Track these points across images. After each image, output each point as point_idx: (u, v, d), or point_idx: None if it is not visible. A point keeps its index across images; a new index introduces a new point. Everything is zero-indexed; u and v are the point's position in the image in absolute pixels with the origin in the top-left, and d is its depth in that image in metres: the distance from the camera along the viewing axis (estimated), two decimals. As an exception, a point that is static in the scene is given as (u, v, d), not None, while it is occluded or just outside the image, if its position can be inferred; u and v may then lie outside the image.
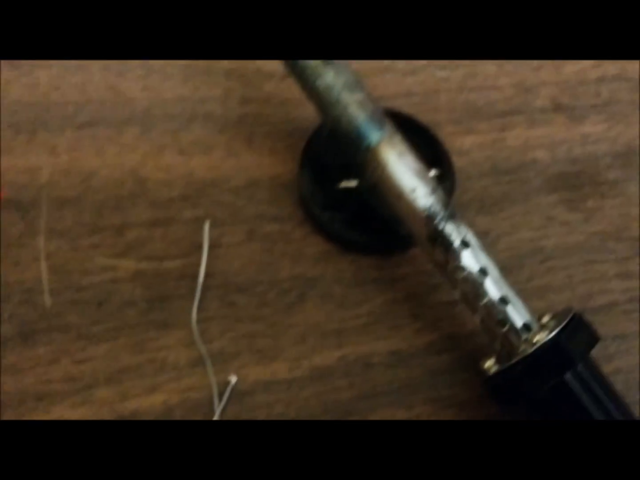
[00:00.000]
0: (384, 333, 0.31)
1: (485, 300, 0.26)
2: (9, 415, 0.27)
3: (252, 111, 0.35)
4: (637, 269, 0.34)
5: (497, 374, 0.26)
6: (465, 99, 0.38)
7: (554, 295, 0.33)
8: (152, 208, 0.32)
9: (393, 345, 0.31)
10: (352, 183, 0.31)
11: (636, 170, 0.37)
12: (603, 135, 0.38)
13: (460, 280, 0.27)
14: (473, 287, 0.27)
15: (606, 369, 0.30)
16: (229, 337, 0.30)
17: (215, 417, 0.28)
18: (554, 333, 0.25)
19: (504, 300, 0.26)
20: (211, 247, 0.31)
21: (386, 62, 0.38)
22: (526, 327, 0.26)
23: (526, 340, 0.26)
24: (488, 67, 0.39)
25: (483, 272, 0.27)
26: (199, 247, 0.31)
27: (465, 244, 0.27)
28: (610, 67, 0.40)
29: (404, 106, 0.36)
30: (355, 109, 0.28)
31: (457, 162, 0.35)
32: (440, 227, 0.27)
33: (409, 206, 0.27)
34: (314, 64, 0.28)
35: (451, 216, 0.27)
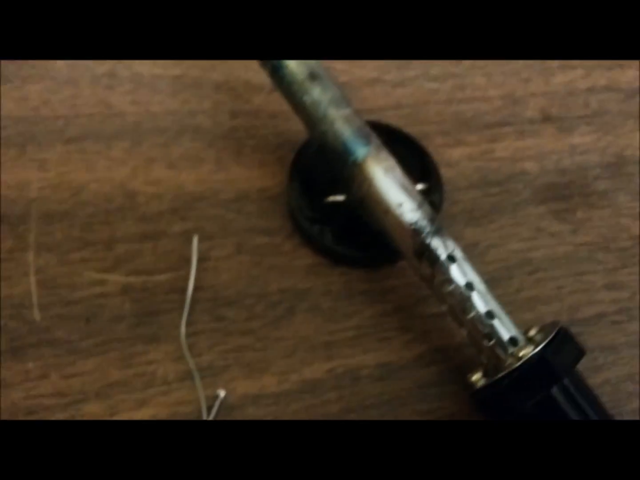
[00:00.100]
0: (373, 345, 0.31)
1: (471, 315, 0.27)
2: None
3: (242, 124, 0.35)
4: (626, 280, 0.34)
5: (483, 388, 0.26)
6: (455, 110, 0.38)
7: (543, 306, 0.33)
8: (141, 222, 0.32)
9: (382, 357, 0.31)
10: (340, 197, 0.31)
11: (625, 181, 0.37)
12: (592, 146, 0.38)
13: (447, 295, 0.27)
14: (459, 301, 0.27)
15: (595, 380, 0.30)
16: (218, 351, 0.30)
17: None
18: (539, 347, 0.25)
19: (490, 315, 0.26)
20: (200, 260, 0.31)
21: (375, 74, 0.38)
22: (512, 341, 0.26)
23: (512, 355, 0.26)
24: (477, 79, 0.39)
25: (469, 286, 0.27)
26: (188, 260, 0.31)
27: (451, 259, 0.27)
28: (600, 77, 0.41)
29: (394, 118, 0.36)
30: (342, 125, 0.28)
31: (447, 173, 0.35)
32: (427, 241, 0.27)
33: (396, 221, 0.27)
34: (300, 79, 0.28)
35: (438, 231, 0.27)
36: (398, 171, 0.28)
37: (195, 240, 0.31)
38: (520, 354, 0.26)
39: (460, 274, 0.27)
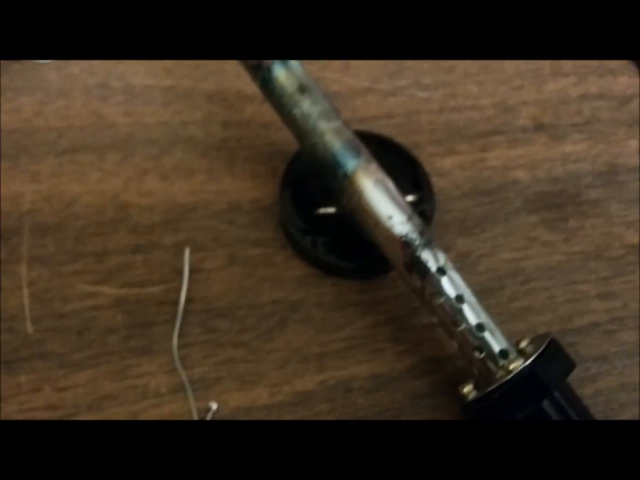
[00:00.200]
0: (365, 357, 0.31)
1: (462, 327, 0.27)
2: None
3: (234, 134, 0.35)
4: (619, 289, 0.34)
5: (474, 400, 0.27)
6: (446, 119, 0.38)
7: (535, 316, 0.33)
8: (133, 234, 0.32)
9: (374, 369, 0.31)
10: (331, 209, 0.31)
11: (617, 189, 0.37)
12: (584, 154, 0.38)
13: (438, 307, 0.27)
14: (450, 313, 0.27)
15: (587, 390, 0.30)
16: (210, 363, 0.30)
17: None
18: (529, 361, 0.25)
19: (480, 327, 0.26)
20: (192, 272, 0.31)
21: (367, 83, 0.38)
22: (503, 353, 0.26)
23: (503, 367, 0.26)
24: (469, 87, 0.39)
25: (460, 299, 0.27)
26: (181, 272, 0.31)
27: (441, 271, 0.27)
28: (592, 85, 0.41)
29: (385, 127, 0.36)
30: (332, 137, 0.28)
31: (438, 183, 0.35)
32: (417, 254, 0.27)
33: (386, 233, 0.27)
34: (290, 92, 0.28)
35: (428, 243, 0.27)
36: (388, 183, 0.28)
37: (187, 252, 0.31)
38: (511, 366, 0.26)
39: (450, 286, 0.27)
